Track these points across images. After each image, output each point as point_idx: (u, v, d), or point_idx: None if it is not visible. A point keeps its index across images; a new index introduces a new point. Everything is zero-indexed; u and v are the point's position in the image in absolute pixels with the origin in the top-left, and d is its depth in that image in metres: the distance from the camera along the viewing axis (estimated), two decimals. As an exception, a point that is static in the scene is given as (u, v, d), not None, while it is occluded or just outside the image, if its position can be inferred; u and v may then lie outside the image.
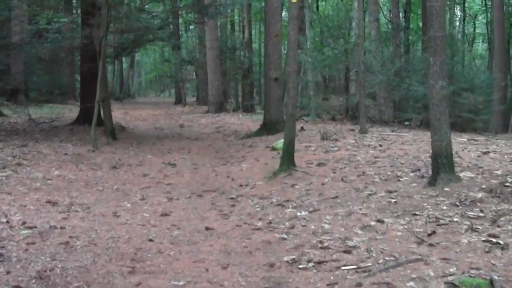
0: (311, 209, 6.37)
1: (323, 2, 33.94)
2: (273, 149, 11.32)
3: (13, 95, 22.55)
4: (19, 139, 11.43)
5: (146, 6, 12.96)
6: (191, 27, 41.06)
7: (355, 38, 19.92)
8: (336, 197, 6.84)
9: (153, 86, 64.19)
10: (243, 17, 27.38)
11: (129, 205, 6.81)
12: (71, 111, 18.25)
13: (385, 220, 5.57)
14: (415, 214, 5.66)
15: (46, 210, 6.12)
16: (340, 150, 10.44)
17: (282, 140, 11.77)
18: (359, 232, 5.28)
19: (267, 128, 13.97)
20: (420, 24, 24.24)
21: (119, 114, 22.66)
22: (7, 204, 6.15)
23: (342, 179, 7.73)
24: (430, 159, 7.15)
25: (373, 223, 5.50)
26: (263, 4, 30.00)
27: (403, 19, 24.75)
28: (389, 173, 7.92)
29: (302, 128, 15.20)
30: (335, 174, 8.18)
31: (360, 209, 6.13)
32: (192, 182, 8.47)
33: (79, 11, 19.42)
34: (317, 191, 7.21)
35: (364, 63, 18.85)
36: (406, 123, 17.40)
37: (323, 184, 7.56)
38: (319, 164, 8.92)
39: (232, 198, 7.31)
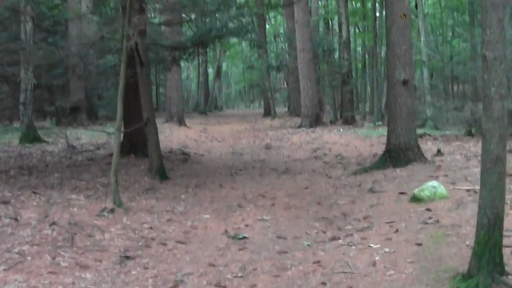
0: None
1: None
2: (415, 199, 6.57)
3: (72, 114, 19.23)
4: (18, 184, 7.37)
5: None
6: (280, 32, 36.82)
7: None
8: None
9: (243, 97, 60.98)
10: (340, 12, 23.22)
11: None
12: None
13: None
14: None
15: None
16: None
17: (429, 185, 6.92)
18: None
19: (392, 156, 9.09)
20: None
21: (193, 132, 18.73)
22: None
23: None
24: None
25: None
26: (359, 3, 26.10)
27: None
28: None
29: (438, 151, 10.37)
30: None
31: None
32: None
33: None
34: None
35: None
36: None
37: None
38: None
39: None
